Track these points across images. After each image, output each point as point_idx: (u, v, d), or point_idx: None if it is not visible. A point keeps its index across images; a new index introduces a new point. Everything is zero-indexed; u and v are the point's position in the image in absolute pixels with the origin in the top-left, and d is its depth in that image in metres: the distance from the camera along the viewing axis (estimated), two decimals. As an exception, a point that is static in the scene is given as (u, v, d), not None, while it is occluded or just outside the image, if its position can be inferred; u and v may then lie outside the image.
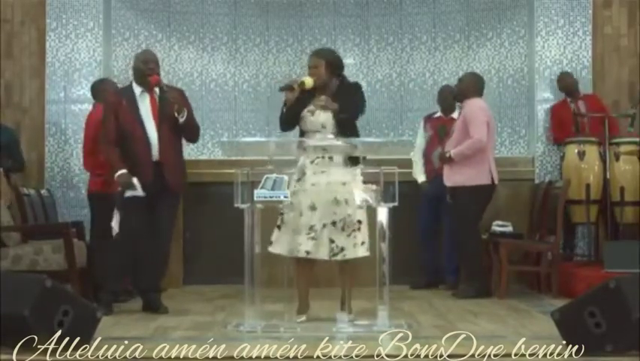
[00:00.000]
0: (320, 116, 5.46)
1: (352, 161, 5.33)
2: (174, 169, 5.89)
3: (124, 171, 5.79)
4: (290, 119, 5.53)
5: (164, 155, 5.83)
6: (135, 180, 5.75)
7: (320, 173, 5.29)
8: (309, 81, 5.43)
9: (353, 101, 5.52)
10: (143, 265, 6.00)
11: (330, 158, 5.33)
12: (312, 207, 5.25)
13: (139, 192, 5.76)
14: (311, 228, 5.23)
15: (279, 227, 5.34)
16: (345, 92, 5.53)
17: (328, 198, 5.23)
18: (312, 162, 5.33)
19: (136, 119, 5.83)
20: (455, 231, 7.12)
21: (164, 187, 5.83)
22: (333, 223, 5.23)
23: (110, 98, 6.09)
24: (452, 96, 7.47)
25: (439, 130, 7.55)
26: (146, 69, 5.86)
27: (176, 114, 5.81)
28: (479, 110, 6.85)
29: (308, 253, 5.25)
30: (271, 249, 5.33)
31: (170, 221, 5.99)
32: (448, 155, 6.86)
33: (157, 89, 5.88)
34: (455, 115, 7.51)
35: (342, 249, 5.24)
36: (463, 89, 7.01)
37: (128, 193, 5.77)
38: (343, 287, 5.39)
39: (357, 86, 5.71)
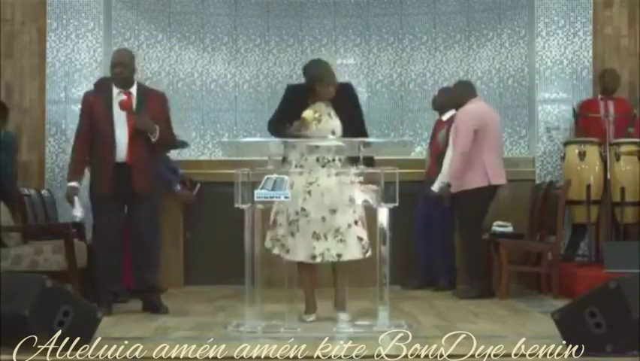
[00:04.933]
0: (328, 123, 5.45)
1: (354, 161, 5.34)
2: (142, 172, 5.82)
3: (72, 184, 5.91)
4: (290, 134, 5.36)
5: (133, 157, 5.79)
6: (76, 201, 5.86)
7: (333, 175, 5.30)
8: (311, 116, 5.35)
9: (358, 118, 5.55)
10: (136, 267, 6.05)
11: (340, 159, 5.36)
12: (333, 210, 5.27)
13: (75, 211, 5.82)
14: (337, 230, 5.27)
15: (292, 234, 5.33)
16: (341, 97, 5.51)
17: (344, 199, 5.23)
18: (323, 165, 5.34)
19: (107, 118, 5.82)
20: (459, 233, 7.18)
21: (133, 189, 5.80)
22: (356, 222, 5.31)
23: (87, 97, 6.07)
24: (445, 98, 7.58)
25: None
26: (113, 74, 5.90)
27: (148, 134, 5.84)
28: (467, 118, 6.89)
29: (340, 256, 5.29)
30: (289, 257, 5.34)
31: (146, 226, 5.94)
32: (447, 183, 6.92)
33: (133, 90, 5.89)
34: (444, 117, 7.57)
35: (370, 244, 5.27)
36: (457, 100, 7.08)
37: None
38: (341, 286, 5.41)
39: (353, 94, 5.67)
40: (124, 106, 5.79)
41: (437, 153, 7.42)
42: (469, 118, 6.89)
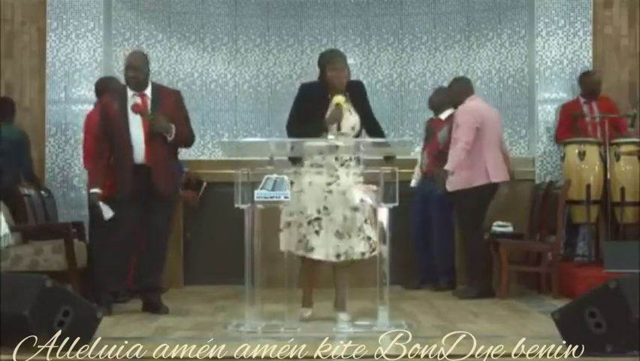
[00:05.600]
0: (349, 120, 5.46)
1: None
2: (163, 173, 5.84)
3: (94, 190, 5.89)
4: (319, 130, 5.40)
5: (152, 158, 5.81)
6: (102, 205, 5.82)
7: (352, 174, 5.32)
8: (342, 100, 5.41)
9: (372, 115, 5.60)
10: (141, 266, 6.05)
11: (356, 158, 5.38)
12: (355, 209, 5.28)
13: (105, 214, 5.80)
14: (360, 228, 5.29)
15: (317, 232, 5.31)
16: (356, 93, 5.56)
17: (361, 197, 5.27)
18: (342, 164, 5.35)
19: (123, 121, 5.83)
20: (459, 231, 7.18)
21: (153, 190, 5.81)
22: (366, 221, 5.33)
23: (103, 101, 6.11)
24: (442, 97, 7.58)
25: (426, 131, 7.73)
26: (127, 77, 5.91)
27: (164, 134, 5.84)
28: (468, 114, 6.90)
29: (364, 254, 5.32)
30: (315, 256, 5.32)
31: (162, 227, 5.96)
32: (449, 172, 6.87)
33: (147, 91, 5.90)
34: (442, 116, 7.56)
35: (376, 243, 5.28)
36: (455, 98, 7.10)
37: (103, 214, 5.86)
38: (341, 286, 5.42)
39: (364, 91, 5.70)
40: (137, 110, 5.80)
41: (437, 152, 7.42)
42: (471, 115, 6.89)
